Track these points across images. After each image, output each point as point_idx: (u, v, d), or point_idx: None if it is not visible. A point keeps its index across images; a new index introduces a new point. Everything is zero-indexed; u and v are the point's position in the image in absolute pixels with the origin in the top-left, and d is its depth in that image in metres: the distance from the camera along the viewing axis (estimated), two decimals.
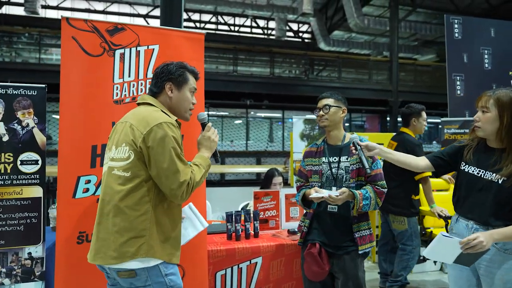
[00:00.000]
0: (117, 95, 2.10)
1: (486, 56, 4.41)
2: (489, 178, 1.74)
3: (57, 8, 14.19)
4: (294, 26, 17.10)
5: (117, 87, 2.10)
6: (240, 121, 14.75)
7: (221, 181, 10.83)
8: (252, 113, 14.81)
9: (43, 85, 2.30)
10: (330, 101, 2.16)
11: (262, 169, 9.93)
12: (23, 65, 10.90)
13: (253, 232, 2.61)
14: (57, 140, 2.02)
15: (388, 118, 14.06)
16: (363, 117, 16.88)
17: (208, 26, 16.07)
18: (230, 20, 16.39)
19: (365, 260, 2.21)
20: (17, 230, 2.20)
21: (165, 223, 1.58)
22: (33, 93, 2.26)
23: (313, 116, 5.67)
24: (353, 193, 2.03)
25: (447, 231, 2.17)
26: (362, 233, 2.10)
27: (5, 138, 2.20)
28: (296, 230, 2.50)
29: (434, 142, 15.99)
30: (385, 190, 2.12)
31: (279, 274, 2.46)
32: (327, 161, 2.16)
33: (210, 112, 12.64)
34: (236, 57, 13.03)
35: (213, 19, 16.25)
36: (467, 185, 1.82)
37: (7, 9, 13.56)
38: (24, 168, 2.23)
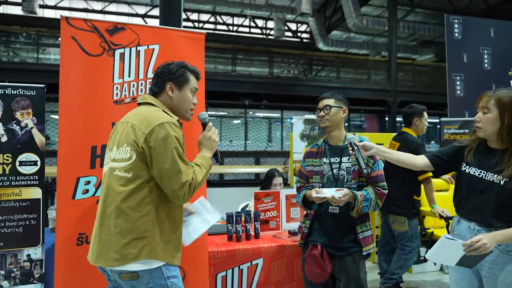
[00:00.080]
0: (117, 95, 2.08)
1: (485, 56, 4.41)
2: (491, 179, 1.73)
3: (55, 7, 14.14)
4: (293, 26, 17.10)
5: (117, 87, 2.08)
6: (238, 121, 14.74)
7: (220, 182, 10.81)
8: (250, 113, 14.80)
9: (42, 85, 2.28)
10: (330, 101, 2.15)
11: (261, 169, 9.92)
12: (21, 65, 10.86)
13: (253, 233, 2.59)
14: (56, 140, 2.00)
15: (386, 118, 14.07)
16: (362, 117, 16.90)
17: (206, 26, 16.05)
18: (228, 20, 16.37)
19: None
20: (16, 232, 2.18)
21: (167, 224, 1.57)
22: (32, 93, 2.24)
23: (313, 116, 5.68)
24: (354, 194, 2.02)
25: (448, 232, 2.16)
26: (365, 234, 2.10)
27: (4, 138, 2.18)
28: (297, 231, 2.49)
29: (433, 142, 16.02)
30: (386, 191, 2.11)
31: (280, 276, 2.45)
32: (328, 161, 2.15)
33: (208, 112, 12.59)
34: (235, 57, 13.02)
35: (212, 19, 16.24)
36: (468, 186, 1.81)
37: (4, 9, 13.51)
38: (23, 169, 2.21)
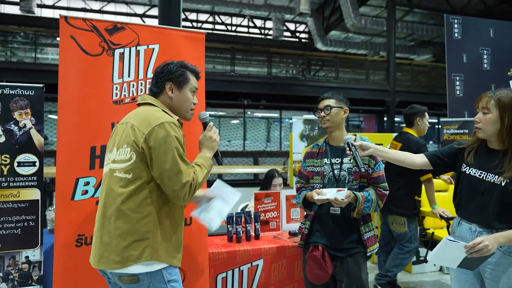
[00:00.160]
0: (116, 95, 2.06)
1: (485, 56, 4.42)
2: (492, 181, 1.72)
3: (53, 7, 14.09)
4: (291, 26, 17.10)
5: (116, 87, 2.06)
6: (237, 121, 14.72)
7: None
8: (249, 113, 14.79)
9: (41, 85, 2.25)
10: (331, 101, 2.14)
11: (260, 169, 9.90)
12: (18, 65, 10.81)
13: (253, 234, 2.58)
14: (53, 140, 1.98)
15: (385, 118, 14.08)
16: (360, 117, 16.91)
17: (205, 25, 16.03)
18: (227, 20, 16.35)
19: None
20: (14, 234, 2.16)
21: (168, 225, 1.55)
22: (31, 93, 2.22)
23: (312, 116, 5.67)
24: (355, 195, 2.01)
25: (449, 233, 2.15)
26: (369, 234, 2.09)
27: (2, 139, 2.16)
28: (297, 232, 2.48)
29: (431, 142, 16.04)
30: (387, 192, 2.10)
31: (281, 277, 2.44)
32: (329, 162, 2.14)
33: (207, 112, 12.58)
34: (234, 57, 13.00)
35: (210, 19, 16.22)
36: (469, 187, 1.80)
37: (2, 8, 13.45)
38: (21, 170, 2.19)
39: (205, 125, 1.77)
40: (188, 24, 15.53)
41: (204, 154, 1.69)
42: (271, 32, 15.95)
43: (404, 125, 3.45)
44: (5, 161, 2.16)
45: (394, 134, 3.99)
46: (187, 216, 2.04)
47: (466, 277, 1.84)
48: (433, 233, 3.41)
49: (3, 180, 2.15)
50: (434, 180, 3.58)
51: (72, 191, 1.96)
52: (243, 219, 2.52)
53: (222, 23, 16.32)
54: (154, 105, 1.63)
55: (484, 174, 1.75)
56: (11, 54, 11.41)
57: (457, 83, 4.35)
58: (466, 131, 4.06)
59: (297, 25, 17.13)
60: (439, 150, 2.00)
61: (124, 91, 2.08)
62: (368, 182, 2.10)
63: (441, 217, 3.08)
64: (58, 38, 1.90)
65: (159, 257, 1.49)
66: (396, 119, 12.43)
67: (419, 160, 1.95)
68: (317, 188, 2.10)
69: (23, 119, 2.19)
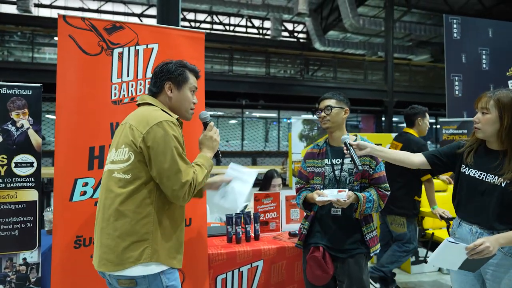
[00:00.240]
0: (115, 95, 2.04)
1: (484, 57, 4.42)
2: (492, 182, 1.71)
3: (50, 6, 14.04)
4: (289, 26, 17.10)
5: (115, 87, 2.04)
6: (235, 121, 14.70)
7: None
8: (247, 113, 14.78)
9: (39, 85, 2.23)
10: (332, 102, 2.12)
11: (259, 169, 9.87)
12: (15, 64, 10.76)
13: (253, 235, 2.57)
14: (51, 140, 1.96)
15: (383, 118, 14.10)
16: (358, 117, 16.93)
17: (203, 25, 16.01)
18: (225, 19, 16.34)
19: None
20: (12, 235, 2.13)
21: (168, 225, 1.53)
22: (28, 93, 2.19)
23: (311, 117, 5.66)
24: (357, 196, 2.00)
25: (449, 234, 2.15)
26: (371, 235, 2.08)
27: None
28: (297, 232, 2.46)
29: (429, 142, 16.08)
30: (388, 192, 2.09)
31: (281, 278, 2.42)
32: (330, 163, 2.12)
33: (208, 112, 12.59)
34: (232, 57, 12.99)
35: (208, 19, 16.20)
36: (469, 188, 1.79)
37: None
38: (18, 171, 2.17)
39: (205, 124, 1.75)
40: (186, 24, 15.50)
41: (205, 154, 1.68)
42: (269, 32, 15.95)
43: (402, 125, 3.45)
44: (2, 161, 2.14)
45: (393, 134, 3.99)
46: (187, 217, 2.02)
47: (466, 278, 1.83)
48: (433, 233, 3.41)
49: (0, 181, 2.13)
50: (433, 180, 3.58)
51: (71, 192, 1.93)
52: (242, 220, 2.51)
53: (220, 23, 16.30)
54: (153, 105, 1.62)
55: (484, 175, 1.74)
56: (8, 54, 11.37)
57: (456, 83, 4.35)
58: (465, 131, 4.06)
59: (295, 25, 17.14)
60: (438, 150, 1.99)
61: (123, 91, 2.06)
62: (369, 183, 2.08)
63: (441, 217, 3.07)
64: (55, 38, 1.88)
65: (159, 258, 1.47)
66: (394, 119, 12.45)
67: (417, 159, 1.94)
68: (318, 189, 2.09)
69: (20, 119, 2.17)
